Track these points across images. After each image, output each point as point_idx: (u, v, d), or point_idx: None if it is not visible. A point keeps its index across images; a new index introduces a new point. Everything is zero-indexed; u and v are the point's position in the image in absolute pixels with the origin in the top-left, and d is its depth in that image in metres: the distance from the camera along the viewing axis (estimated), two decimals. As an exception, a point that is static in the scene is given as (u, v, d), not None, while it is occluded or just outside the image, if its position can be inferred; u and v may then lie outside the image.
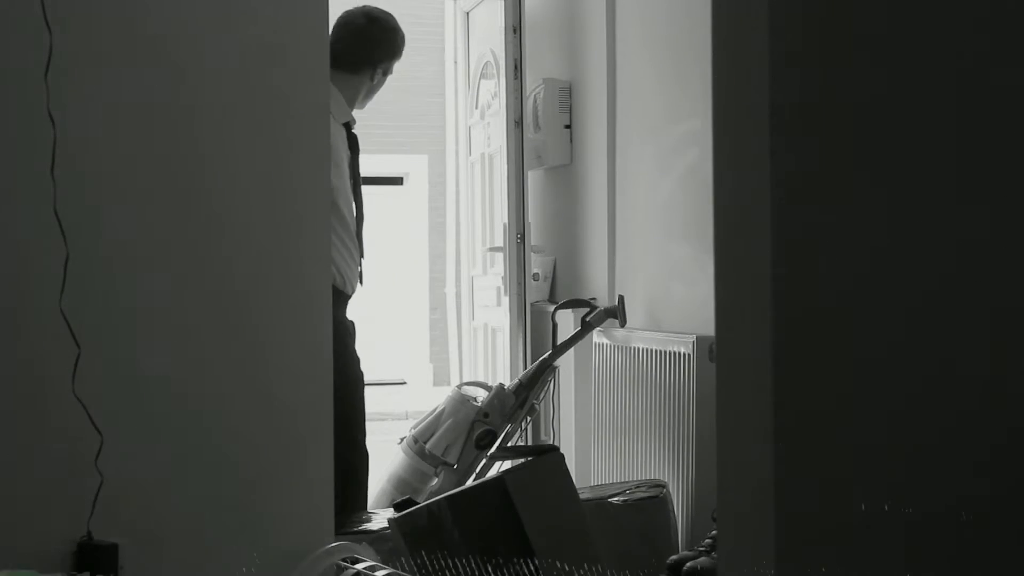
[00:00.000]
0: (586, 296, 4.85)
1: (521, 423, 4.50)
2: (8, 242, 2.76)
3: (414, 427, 4.49)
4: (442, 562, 3.29)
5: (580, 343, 4.64)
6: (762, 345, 1.91)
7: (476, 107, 6.07)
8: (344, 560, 3.05)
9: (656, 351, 4.20)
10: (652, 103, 4.54)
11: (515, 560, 3.27)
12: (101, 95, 2.87)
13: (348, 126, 4.20)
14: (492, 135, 5.70)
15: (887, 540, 1.91)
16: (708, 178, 2.08)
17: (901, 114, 1.92)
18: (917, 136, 1.92)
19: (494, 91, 5.60)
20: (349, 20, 4.31)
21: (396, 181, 13.60)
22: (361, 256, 4.18)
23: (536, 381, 4.49)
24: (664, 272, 4.43)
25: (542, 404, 4.61)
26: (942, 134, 1.93)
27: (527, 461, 3.58)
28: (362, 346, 4.31)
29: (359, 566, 3.06)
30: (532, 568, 3.27)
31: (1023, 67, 1.92)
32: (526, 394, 4.47)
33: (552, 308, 4.98)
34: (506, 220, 5.22)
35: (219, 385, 3.00)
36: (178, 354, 2.95)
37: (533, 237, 5.31)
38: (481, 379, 5.58)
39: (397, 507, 3.52)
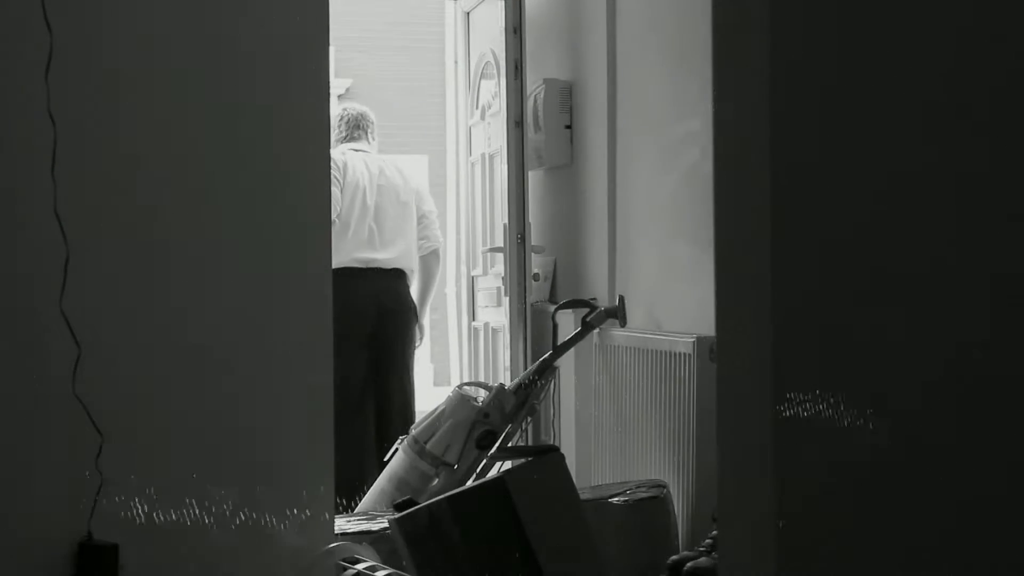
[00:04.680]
0: (586, 296, 4.85)
1: (521, 423, 4.50)
2: (8, 242, 2.76)
3: (415, 427, 4.49)
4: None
5: (580, 343, 4.64)
6: (762, 345, 1.91)
7: (476, 107, 6.06)
8: (344, 560, 3.06)
9: (656, 351, 4.20)
10: (652, 103, 4.54)
11: (515, 560, 3.27)
12: (101, 95, 2.87)
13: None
14: (492, 135, 5.70)
15: (887, 540, 1.91)
16: (708, 178, 2.09)
17: (903, 114, 1.92)
18: (920, 135, 1.92)
19: (494, 91, 5.60)
20: (364, 113, 5.76)
21: (396, 181, 13.60)
22: None
23: (536, 381, 4.49)
24: (664, 272, 4.43)
25: (542, 404, 4.61)
26: (945, 135, 1.93)
27: (527, 461, 3.58)
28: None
29: (359, 566, 3.06)
30: (532, 568, 3.27)
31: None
32: (526, 394, 4.46)
33: (552, 308, 4.98)
34: (506, 220, 5.22)
35: (219, 385, 3.00)
36: (178, 354, 2.95)
37: (533, 237, 5.30)
38: (481, 379, 5.58)
39: (397, 507, 3.52)
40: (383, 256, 5.46)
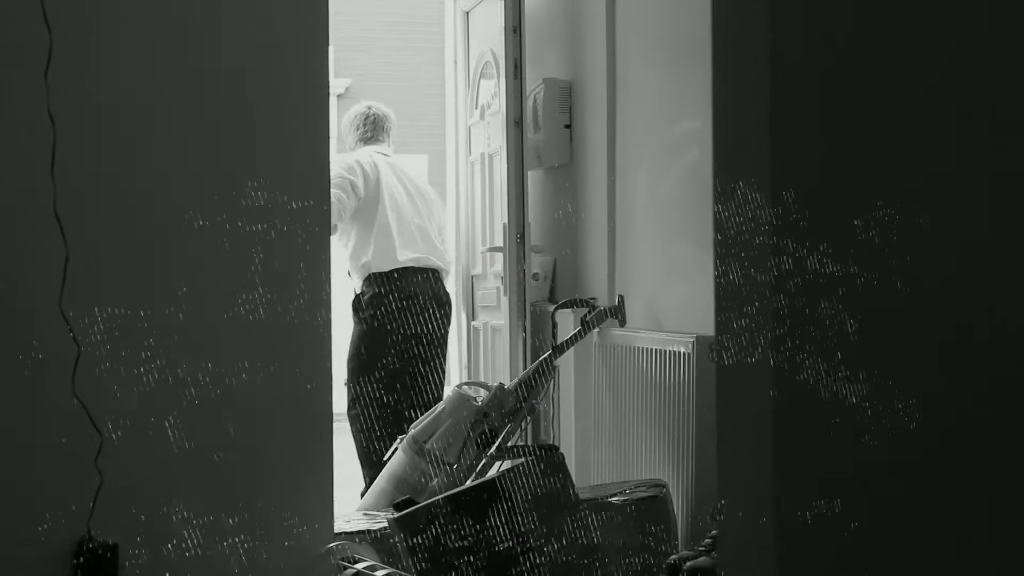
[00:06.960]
0: (586, 296, 4.85)
1: (521, 423, 4.50)
2: (8, 242, 2.76)
3: (414, 426, 4.49)
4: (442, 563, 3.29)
5: (580, 343, 4.64)
6: (762, 345, 1.91)
7: (476, 107, 6.06)
8: (344, 560, 3.06)
9: (656, 351, 4.20)
10: (652, 103, 4.54)
11: (515, 560, 3.27)
12: (101, 95, 2.87)
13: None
14: (492, 135, 5.69)
15: (886, 539, 1.91)
16: (708, 178, 2.09)
17: (902, 114, 1.92)
18: (920, 134, 1.92)
19: (494, 91, 5.60)
20: (388, 115, 5.75)
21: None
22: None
23: (536, 381, 4.49)
24: (664, 272, 4.43)
25: (542, 404, 4.61)
26: (944, 136, 1.93)
27: (527, 461, 3.58)
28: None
29: (359, 566, 3.06)
30: (532, 568, 3.27)
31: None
32: (526, 394, 4.46)
33: (552, 308, 4.98)
34: (506, 220, 5.22)
35: (219, 385, 3.00)
36: (178, 354, 2.95)
37: (533, 237, 5.30)
38: (481, 379, 5.58)
39: (397, 507, 3.52)
40: (424, 255, 5.53)
